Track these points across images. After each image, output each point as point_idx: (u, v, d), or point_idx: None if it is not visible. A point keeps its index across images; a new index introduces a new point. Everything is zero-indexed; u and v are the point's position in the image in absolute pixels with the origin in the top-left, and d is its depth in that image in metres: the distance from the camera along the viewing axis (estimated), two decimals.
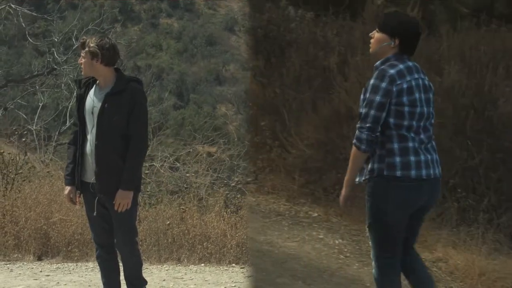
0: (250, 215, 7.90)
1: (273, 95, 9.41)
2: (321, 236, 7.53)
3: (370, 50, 5.27)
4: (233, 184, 12.01)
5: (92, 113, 5.97)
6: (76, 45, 18.13)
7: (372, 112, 5.00)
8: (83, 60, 6.01)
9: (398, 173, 5.04)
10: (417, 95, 5.11)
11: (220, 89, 60.21)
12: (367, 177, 5.17)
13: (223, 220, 9.71)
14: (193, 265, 9.07)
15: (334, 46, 9.76)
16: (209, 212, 9.99)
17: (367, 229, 5.28)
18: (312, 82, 9.36)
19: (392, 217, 5.13)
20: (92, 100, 6.02)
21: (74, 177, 6.08)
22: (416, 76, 5.15)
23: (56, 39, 19.78)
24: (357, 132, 5.05)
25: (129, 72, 28.10)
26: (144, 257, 7.79)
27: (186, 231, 9.51)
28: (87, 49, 5.97)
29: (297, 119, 8.84)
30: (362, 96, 5.13)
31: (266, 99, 9.42)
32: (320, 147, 8.34)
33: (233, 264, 9.07)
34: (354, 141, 5.05)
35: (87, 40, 6.01)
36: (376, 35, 5.20)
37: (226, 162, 13.34)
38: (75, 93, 6.33)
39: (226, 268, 8.93)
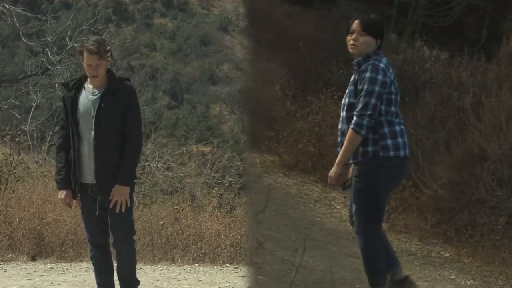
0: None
1: (407, 135, 9.45)
2: (452, 277, 7.48)
3: (355, 51, 5.78)
4: (227, 184, 12.02)
5: (89, 114, 5.96)
6: (70, 45, 18.14)
7: (373, 100, 5.59)
8: (102, 67, 5.95)
9: (392, 153, 5.69)
10: (396, 84, 5.81)
11: (214, 89, 60.19)
12: (359, 159, 5.71)
13: (217, 220, 9.72)
14: (187, 265, 9.08)
15: (468, 86, 9.98)
16: (203, 212, 10.00)
17: (353, 211, 5.81)
18: (446, 122, 9.46)
19: (383, 191, 5.77)
20: (87, 101, 6.00)
21: (69, 180, 6.06)
22: (391, 69, 5.80)
23: (50, 39, 19.76)
24: (357, 119, 5.61)
25: (123, 72, 28.09)
26: (138, 257, 7.78)
27: (180, 231, 9.52)
28: (109, 53, 5.96)
29: (431, 159, 8.89)
30: (351, 88, 5.74)
31: None
32: (453, 187, 8.40)
33: (227, 264, 9.08)
34: (353, 126, 5.60)
35: (99, 44, 5.96)
36: (362, 38, 5.74)
37: (219, 161, 13.34)
38: (63, 96, 6.22)
39: (220, 268, 8.93)
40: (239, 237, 9.34)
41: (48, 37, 20.07)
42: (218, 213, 9.93)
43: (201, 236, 9.45)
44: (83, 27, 19.74)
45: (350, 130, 5.61)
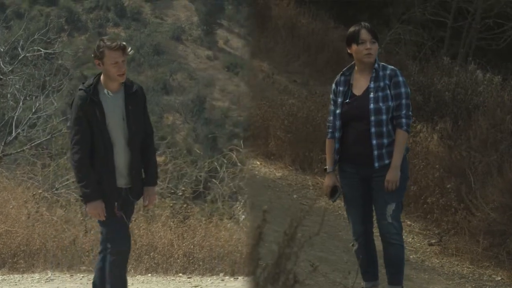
0: (433, 276, 7.89)
1: (459, 157, 9.59)
2: None
3: (371, 59, 6.01)
4: (180, 194, 12.02)
5: (118, 117, 5.91)
6: (22, 55, 18.05)
7: (409, 102, 5.99)
8: (125, 64, 5.94)
9: None
10: None
11: (168, 99, 60.06)
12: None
13: (170, 230, 9.72)
14: (140, 276, 9.06)
15: None
16: (156, 222, 9.99)
17: (391, 214, 5.93)
18: (499, 146, 9.55)
19: None
20: (112, 105, 5.92)
21: (101, 190, 5.91)
22: None
23: (1, 49, 19.61)
24: (407, 120, 5.94)
25: (76, 82, 27.93)
26: (90, 268, 7.77)
27: (132, 241, 9.49)
28: (129, 49, 5.96)
29: (483, 182, 8.94)
30: (388, 92, 5.93)
31: (452, 161, 9.59)
32: (505, 210, 8.41)
33: (180, 274, 9.09)
34: (406, 128, 5.93)
35: (117, 40, 5.94)
36: (374, 46, 5.99)
37: (173, 171, 13.34)
38: (80, 104, 5.87)
39: (173, 278, 8.94)
40: (192, 246, 9.36)
41: (0, 46, 19.92)
42: (171, 222, 9.94)
43: (154, 246, 9.45)
44: (35, 37, 19.61)
45: (403, 132, 5.90)
